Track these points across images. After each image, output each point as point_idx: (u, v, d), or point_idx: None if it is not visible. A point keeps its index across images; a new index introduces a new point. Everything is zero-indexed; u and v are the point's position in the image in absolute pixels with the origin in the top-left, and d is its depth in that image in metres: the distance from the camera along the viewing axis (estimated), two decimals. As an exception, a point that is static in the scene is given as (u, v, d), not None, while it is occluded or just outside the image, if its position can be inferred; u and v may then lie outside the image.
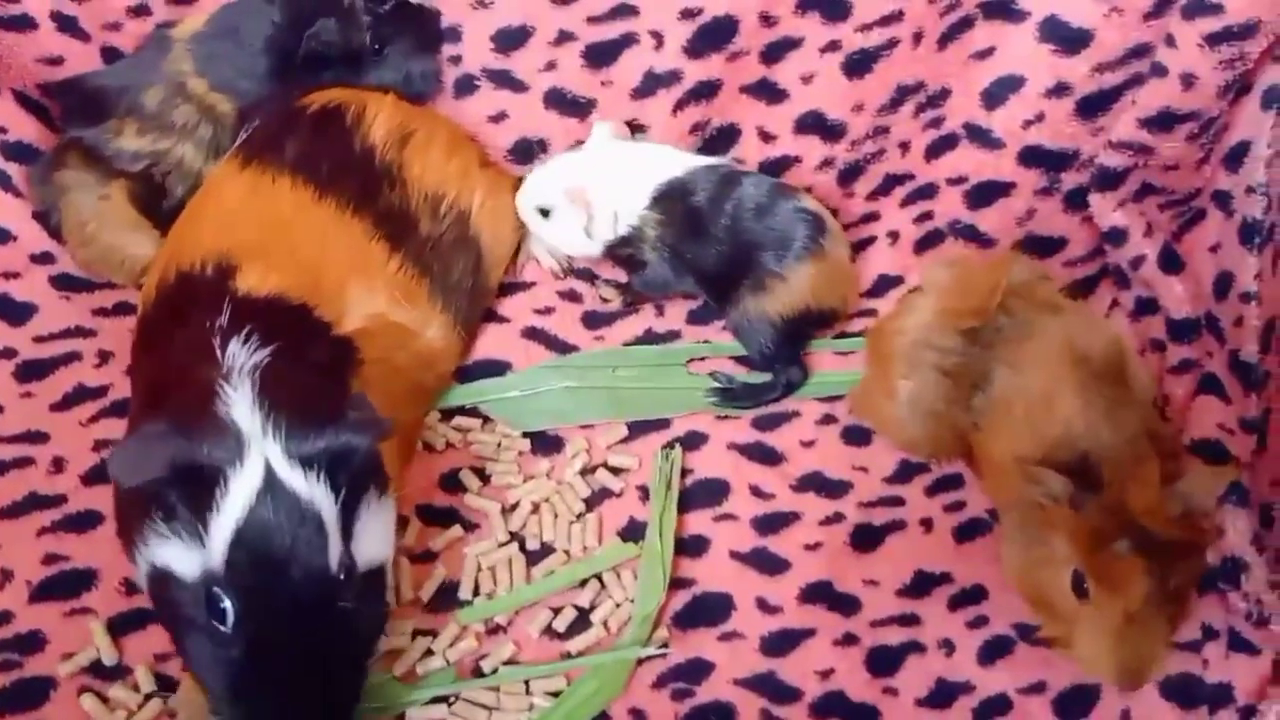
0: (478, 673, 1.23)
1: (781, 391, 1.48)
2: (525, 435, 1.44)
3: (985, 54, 1.48)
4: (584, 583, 1.30)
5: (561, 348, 1.53)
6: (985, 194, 1.54)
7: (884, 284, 1.60)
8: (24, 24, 1.55)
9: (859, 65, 1.51)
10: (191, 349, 1.14)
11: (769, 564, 1.33)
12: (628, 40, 1.52)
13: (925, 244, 1.59)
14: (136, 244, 1.52)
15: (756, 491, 1.40)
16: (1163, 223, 1.48)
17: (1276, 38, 1.30)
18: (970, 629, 1.28)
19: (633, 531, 1.35)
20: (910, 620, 1.29)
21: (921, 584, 1.32)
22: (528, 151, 1.62)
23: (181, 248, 1.27)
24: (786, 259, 1.45)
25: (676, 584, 1.30)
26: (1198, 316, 1.40)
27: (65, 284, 1.54)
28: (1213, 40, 1.30)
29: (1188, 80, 1.34)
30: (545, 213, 1.51)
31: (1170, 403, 1.39)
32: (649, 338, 1.56)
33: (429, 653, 1.23)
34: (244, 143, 1.41)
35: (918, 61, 1.51)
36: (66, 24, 1.57)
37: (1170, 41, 1.34)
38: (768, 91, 1.54)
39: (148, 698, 1.18)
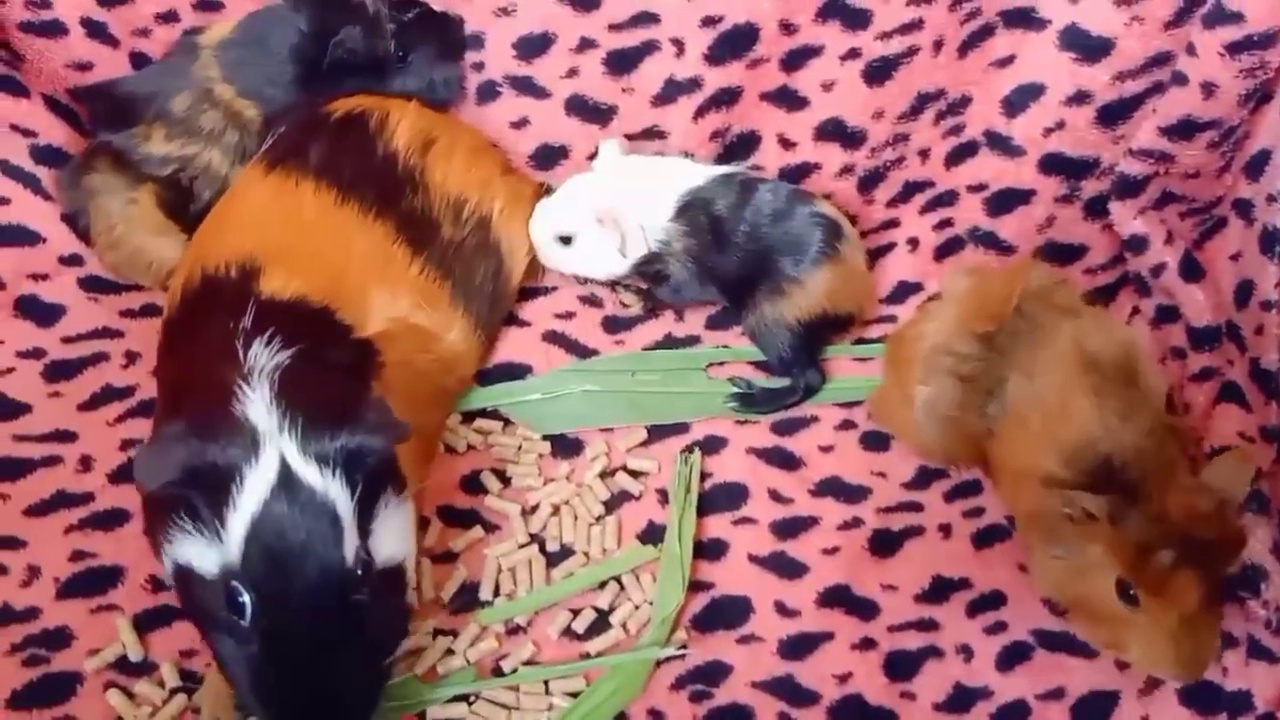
0: (498, 673, 1.24)
1: (800, 396, 1.49)
2: (545, 438, 1.46)
3: (1006, 62, 1.48)
4: (603, 585, 1.31)
5: (582, 352, 1.55)
6: (1005, 201, 1.54)
7: (903, 290, 1.61)
8: (54, 30, 1.58)
9: (879, 73, 1.52)
10: (214, 350, 1.16)
11: (787, 568, 1.34)
12: (649, 47, 1.53)
13: (945, 251, 1.60)
14: (163, 247, 1.54)
15: (775, 496, 1.40)
16: (1183, 231, 1.48)
17: (1298, 46, 1.31)
18: (988, 635, 1.28)
19: (652, 534, 1.36)
20: (928, 625, 1.29)
21: (940, 589, 1.32)
22: (549, 158, 1.63)
23: (206, 250, 1.29)
24: (803, 264, 1.46)
25: (695, 587, 1.31)
26: (1218, 325, 1.40)
27: (93, 286, 1.56)
28: (1233, 49, 1.31)
29: (1208, 88, 1.34)
30: (566, 240, 1.50)
31: (1191, 411, 1.39)
32: (669, 342, 1.57)
33: (450, 652, 1.24)
34: (269, 148, 1.43)
35: (938, 69, 1.51)
36: (96, 30, 1.59)
37: (1191, 50, 1.35)
38: (788, 99, 1.55)
39: (173, 693, 1.19)
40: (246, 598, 1.01)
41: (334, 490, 1.03)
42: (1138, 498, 1.12)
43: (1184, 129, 1.39)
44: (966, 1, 1.47)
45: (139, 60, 1.63)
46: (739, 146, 1.58)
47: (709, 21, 1.50)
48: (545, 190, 1.64)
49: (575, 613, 1.29)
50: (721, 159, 1.59)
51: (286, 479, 1.02)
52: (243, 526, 1.01)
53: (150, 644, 1.23)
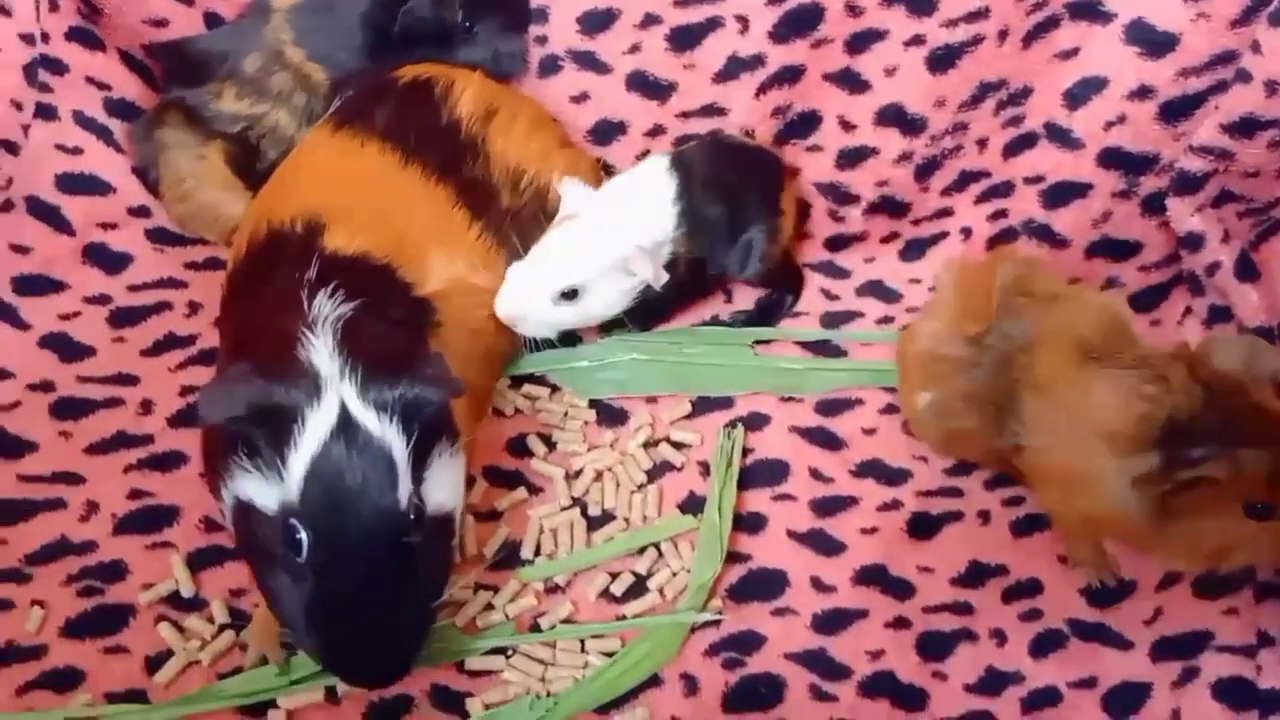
0: (535, 629, 1.26)
1: (793, 299, 1.60)
2: (591, 405, 1.48)
3: (1070, 54, 1.48)
4: (642, 550, 1.33)
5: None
6: (1062, 194, 1.54)
7: (954, 280, 1.61)
8: (133, -15, 1.62)
9: (943, 60, 1.52)
10: (279, 300, 1.19)
11: (825, 545, 1.35)
12: (713, 24, 1.55)
13: (998, 241, 1.60)
14: (229, 203, 1.59)
15: (816, 474, 1.42)
16: (1240, 230, 1.47)
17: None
18: (1023, 621, 1.28)
19: (692, 505, 1.38)
20: (963, 609, 1.30)
21: (976, 574, 1.32)
22: (607, 133, 1.65)
23: (272, 205, 1.32)
24: (771, 199, 1.54)
25: (732, 558, 1.32)
26: (1271, 326, 1.39)
27: (160, 237, 1.61)
28: (1301, 47, 1.30)
29: (1272, 87, 1.34)
30: (571, 294, 1.41)
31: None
32: (715, 324, 1.59)
33: (490, 607, 1.27)
34: (337, 109, 1.47)
35: (1001, 59, 1.51)
36: (173, -13, 1.63)
37: (1256, 48, 1.34)
38: (850, 81, 1.56)
39: (221, 629, 1.23)
40: (303, 535, 1.04)
41: (390, 436, 1.06)
42: (1217, 431, 1.12)
43: (1245, 127, 1.38)
44: (1033, -9, 1.48)
45: (213, 19, 1.67)
46: (799, 125, 1.59)
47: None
48: (602, 166, 1.67)
49: (613, 576, 1.31)
50: (781, 136, 1.60)
51: (346, 423, 1.05)
52: (302, 466, 1.04)
53: (201, 581, 1.27)
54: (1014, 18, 1.49)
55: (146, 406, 1.41)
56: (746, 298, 1.62)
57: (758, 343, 1.56)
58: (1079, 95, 1.49)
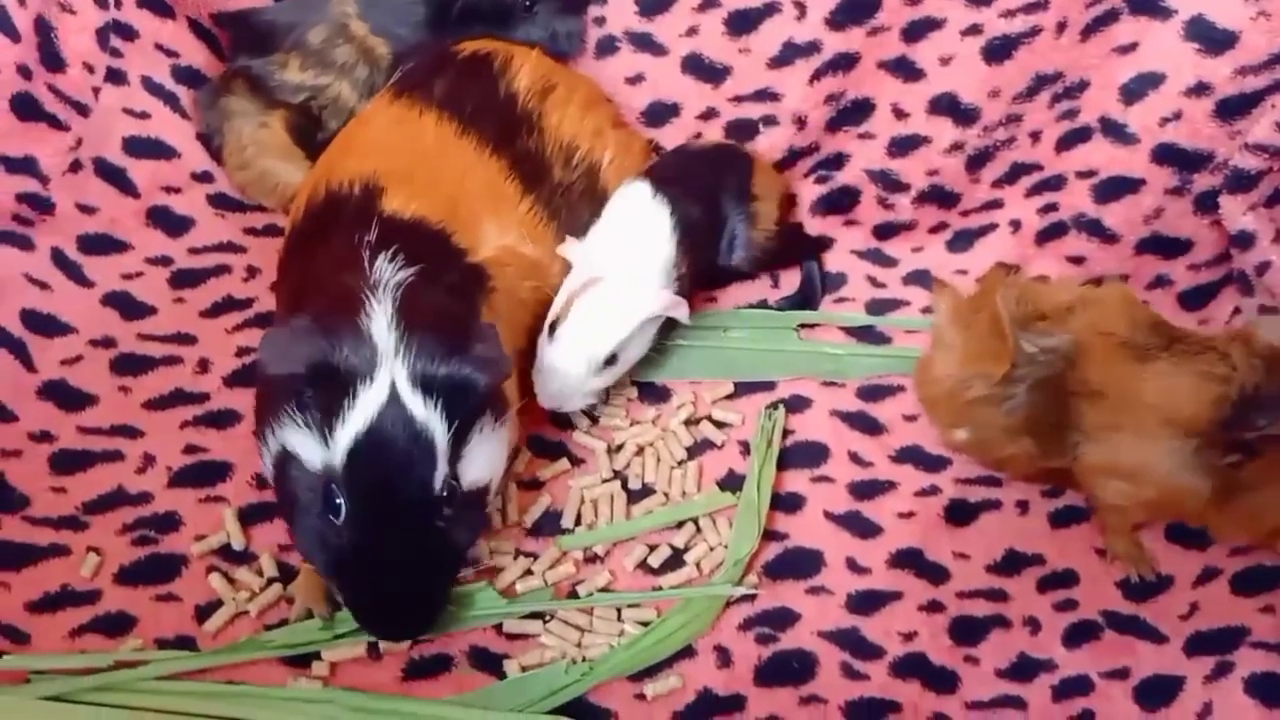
0: (573, 596, 1.28)
1: (820, 271, 1.61)
2: (634, 383, 1.50)
3: (1128, 49, 1.48)
4: (680, 524, 1.35)
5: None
6: (1114, 189, 1.54)
7: (1001, 272, 1.61)
8: (203, -45, 1.66)
9: (999, 51, 1.53)
10: (339, 257, 1.22)
11: (862, 527, 1.36)
12: (771, 9, 1.56)
13: (1047, 235, 1.60)
14: (289, 172, 1.62)
15: (855, 458, 1.43)
16: (1294, 230, 1.46)
17: None
18: (1057, 611, 1.29)
19: (731, 482, 1.40)
20: (998, 595, 1.30)
21: (1012, 562, 1.33)
22: (660, 115, 1.67)
23: (332, 168, 1.35)
24: (746, 184, 1.55)
25: (769, 536, 1.34)
26: (1322, 327, 1.38)
27: (221, 203, 1.65)
28: (1362, 48, 1.29)
29: (1333, 87, 1.33)
30: (611, 359, 1.38)
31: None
32: (762, 308, 1.60)
33: (529, 573, 1.29)
34: (398, 78, 1.50)
35: (1059, 51, 1.51)
36: (243, -43, 1.67)
37: (1318, 47, 1.33)
38: (905, 69, 1.56)
39: (270, 582, 1.26)
40: (342, 500, 1.08)
41: (434, 422, 1.10)
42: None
43: (1304, 126, 1.38)
44: (1093, -15, 1.47)
45: (280, -9, 1.71)
46: (852, 112, 1.60)
47: (833, -14, 1.53)
48: (654, 148, 1.68)
49: (651, 548, 1.33)
50: (833, 123, 1.61)
51: (394, 403, 1.09)
52: (349, 439, 1.08)
53: (252, 536, 1.30)
54: (1073, 10, 1.49)
55: (204, 365, 1.45)
56: (791, 283, 1.63)
57: (802, 326, 1.57)
58: (1135, 90, 1.48)
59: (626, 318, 1.36)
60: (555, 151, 1.50)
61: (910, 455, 1.43)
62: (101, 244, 1.55)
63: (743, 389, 1.50)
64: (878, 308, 1.60)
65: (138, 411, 1.40)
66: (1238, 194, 1.46)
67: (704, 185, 1.53)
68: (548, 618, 1.26)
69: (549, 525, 1.35)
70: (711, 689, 1.21)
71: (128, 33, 1.62)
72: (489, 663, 1.22)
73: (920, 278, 1.64)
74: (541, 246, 1.43)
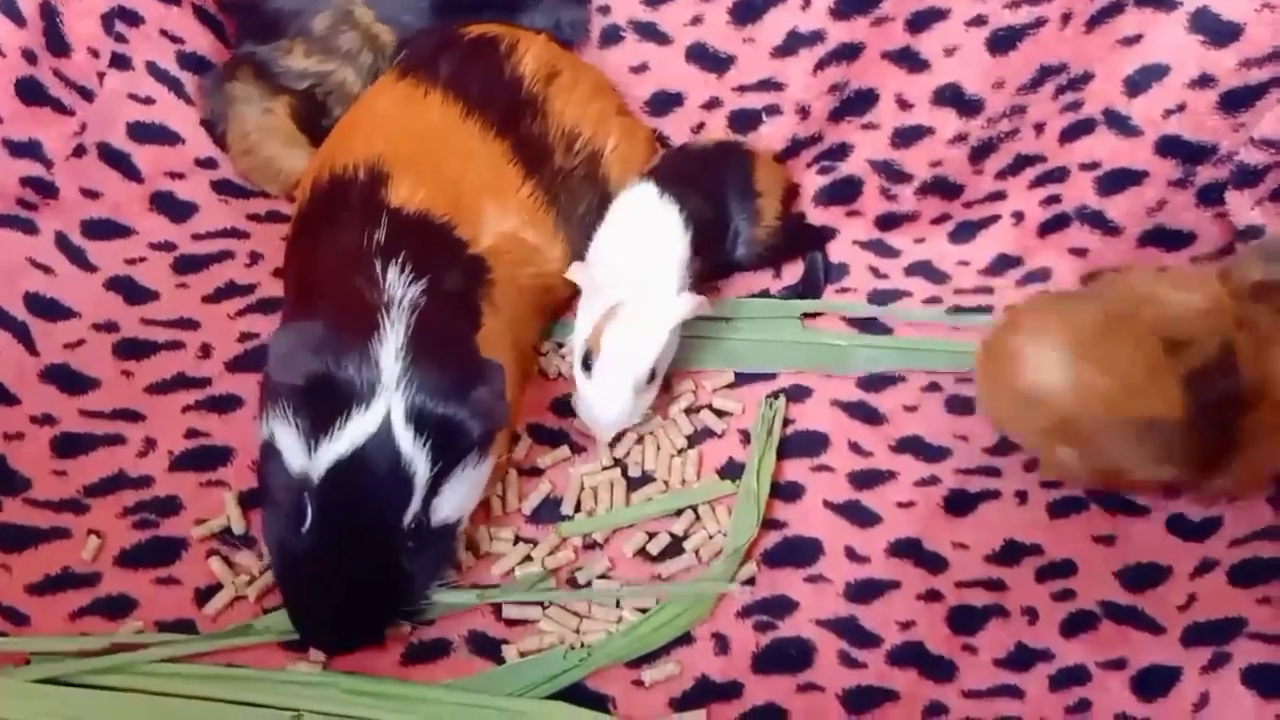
0: (572, 582, 1.29)
1: (824, 262, 1.60)
2: (636, 372, 1.50)
3: (1133, 40, 1.48)
4: (679, 512, 1.35)
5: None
6: (1117, 181, 1.54)
7: (1003, 263, 1.62)
8: (209, -59, 1.67)
9: (1004, 42, 1.52)
10: (347, 255, 1.23)
11: (861, 516, 1.36)
12: (775, -1, 1.56)
13: (1050, 227, 1.60)
14: (292, 158, 1.63)
15: (855, 448, 1.43)
16: (1300, 224, 1.46)
17: None
18: (1056, 601, 1.29)
19: (731, 471, 1.40)
20: (996, 585, 1.30)
21: (1011, 552, 1.33)
22: (663, 104, 1.67)
23: (336, 151, 1.35)
24: (748, 179, 1.55)
25: (768, 524, 1.34)
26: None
27: (224, 189, 1.65)
28: (1367, 41, 1.29)
29: (1338, 80, 1.33)
30: (651, 375, 1.37)
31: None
32: (764, 295, 1.60)
33: (528, 559, 1.29)
34: (402, 58, 1.50)
35: (1063, 43, 1.51)
36: (247, -56, 1.67)
37: (1323, 40, 1.33)
38: (909, 60, 1.56)
39: (269, 566, 1.26)
40: (310, 511, 1.10)
41: (418, 461, 1.11)
42: None
43: (1310, 120, 1.37)
44: (1099, -24, 1.47)
45: (286, -22, 1.71)
46: (855, 102, 1.60)
47: (837, -25, 1.53)
48: (657, 138, 1.68)
49: (651, 535, 1.33)
50: (836, 113, 1.61)
51: (384, 437, 1.10)
52: (331, 457, 1.10)
53: (252, 520, 1.30)
54: (1078, 1, 1.49)
55: (206, 350, 1.45)
56: (794, 273, 1.63)
57: (805, 316, 1.57)
58: (1139, 82, 1.48)
59: (657, 332, 1.35)
60: (558, 137, 1.50)
61: (910, 445, 1.43)
62: (105, 229, 1.56)
63: (743, 378, 1.50)
64: (879, 298, 1.59)
65: (140, 396, 1.40)
66: (1244, 189, 1.46)
67: (708, 182, 1.53)
68: (547, 603, 1.26)
69: (549, 512, 1.35)
70: (709, 676, 1.21)
71: (133, 18, 1.63)
72: (488, 648, 1.22)
73: (922, 269, 1.63)
74: (540, 232, 1.43)
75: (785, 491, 1.38)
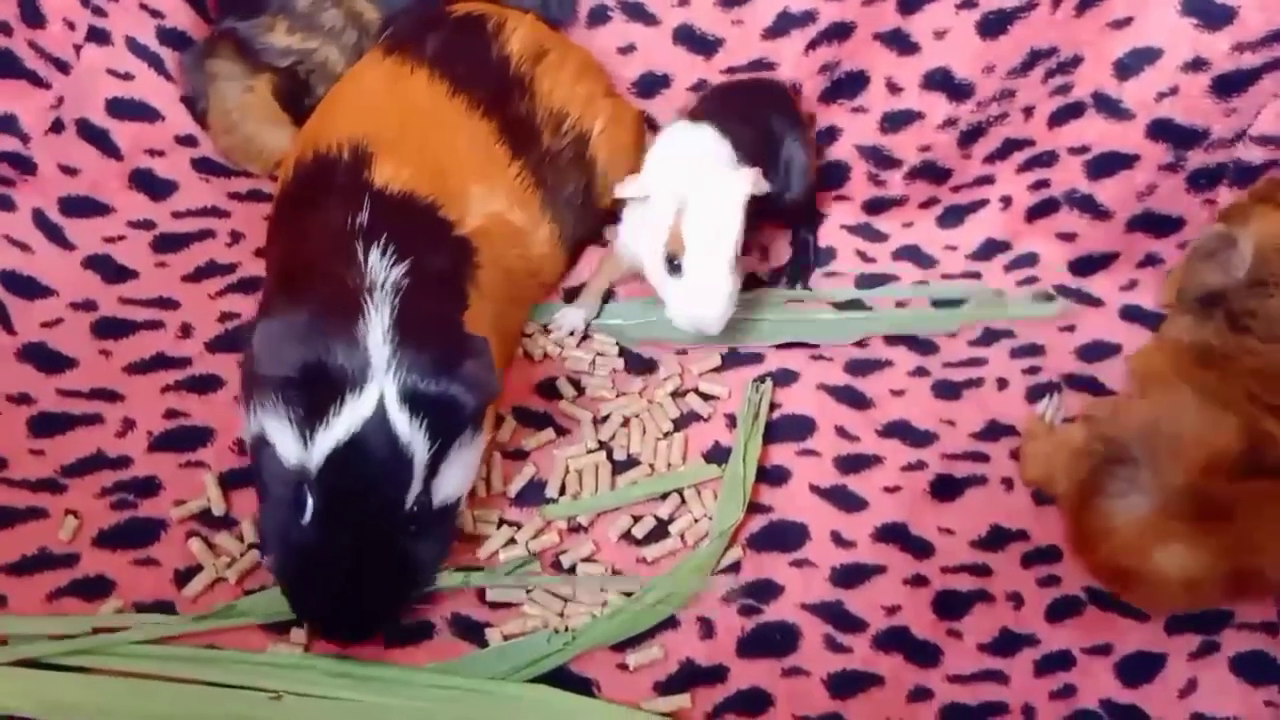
0: (557, 565, 1.28)
1: (814, 244, 1.60)
2: (621, 354, 1.49)
3: (1123, 23, 1.47)
4: (665, 496, 1.34)
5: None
6: (1107, 164, 1.53)
7: (990, 248, 1.62)
8: (189, -85, 1.63)
9: (994, 25, 1.51)
10: (332, 238, 1.20)
11: (847, 501, 1.35)
12: (767, -22, 1.55)
13: (1038, 211, 1.60)
14: (274, 136, 1.60)
15: (842, 432, 1.42)
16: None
17: None
18: (1041, 586, 1.29)
19: (717, 455, 1.39)
20: (981, 570, 1.30)
21: (997, 538, 1.33)
22: (651, 86, 1.65)
23: (320, 130, 1.33)
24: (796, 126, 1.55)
25: (754, 508, 1.33)
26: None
27: (205, 167, 1.62)
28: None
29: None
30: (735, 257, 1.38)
31: None
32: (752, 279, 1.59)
33: (512, 541, 1.28)
34: (389, 35, 1.48)
35: (1053, 26, 1.50)
36: (229, -82, 1.64)
37: (1317, 25, 1.32)
38: (900, 42, 1.55)
39: (250, 547, 1.25)
40: (310, 502, 1.08)
41: (416, 441, 1.10)
42: None
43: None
44: (1090, -41, 1.46)
45: (268, -47, 1.68)
46: (846, 84, 1.59)
47: (827, -45, 1.51)
48: (645, 120, 1.67)
49: (636, 519, 1.32)
50: (827, 95, 1.59)
51: (379, 420, 1.08)
52: (328, 446, 1.08)
53: (232, 501, 1.29)
54: (1069, -16, 1.48)
55: (186, 330, 1.43)
56: (779, 254, 1.62)
57: (791, 302, 1.56)
58: (1131, 65, 1.47)
59: (735, 208, 1.36)
60: (545, 118, 1.48)
61: (897, 430, 1.42)
62: (83, 206, 1.53)
63: (730, 362, 1.49)
64: (866, 282, 1.59)
65: (118, 375, 1.38)
66: (1241, 186, 1.45)
67: (753, 111, 1.51)
68: (531, 586, 1.25)
69: (533, 495, 1.34)
70: (694, 660, 1.20)
71: (111, -9, 1.60)
72: (471, 631, 1.21)
73: (909, 253, 1.63)
74: (527, 213, 1.41)
75: (771, 475, 1.37)
